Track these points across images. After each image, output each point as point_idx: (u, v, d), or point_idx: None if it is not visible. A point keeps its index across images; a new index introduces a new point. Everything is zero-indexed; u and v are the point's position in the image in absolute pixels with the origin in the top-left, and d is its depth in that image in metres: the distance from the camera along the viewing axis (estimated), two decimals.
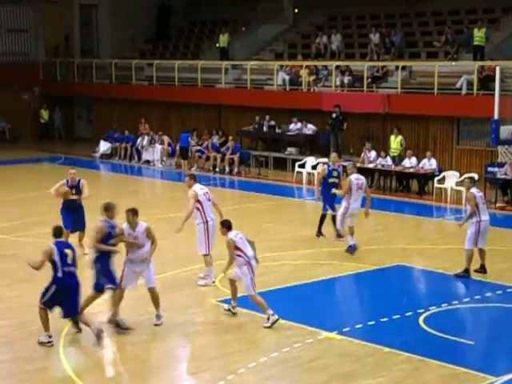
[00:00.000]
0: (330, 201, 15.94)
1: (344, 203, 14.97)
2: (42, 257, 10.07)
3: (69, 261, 10.10)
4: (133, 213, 10.99)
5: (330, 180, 15.99)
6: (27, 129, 34.52)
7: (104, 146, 29.69)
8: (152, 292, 11.01)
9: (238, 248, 10.98)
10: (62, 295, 10.04)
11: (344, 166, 17.85)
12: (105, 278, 10.70)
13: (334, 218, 15.78)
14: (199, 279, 12.87)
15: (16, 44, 34.71)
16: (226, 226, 11.19)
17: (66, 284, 10.04)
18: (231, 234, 11.09)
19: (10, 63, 34.03)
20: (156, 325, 10.91)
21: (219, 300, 12.05)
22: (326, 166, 16.55)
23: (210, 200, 13.13)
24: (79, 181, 14.77)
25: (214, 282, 12.80)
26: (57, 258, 10.01)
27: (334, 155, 16.92)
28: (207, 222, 12.84)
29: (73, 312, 10.28)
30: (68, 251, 10.16)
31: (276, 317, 10.77)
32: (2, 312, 11.44)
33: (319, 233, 16.16)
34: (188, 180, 13.46)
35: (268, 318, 10.79)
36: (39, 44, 35.58)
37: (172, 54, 33.98)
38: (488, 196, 20.09)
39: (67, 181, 14.71)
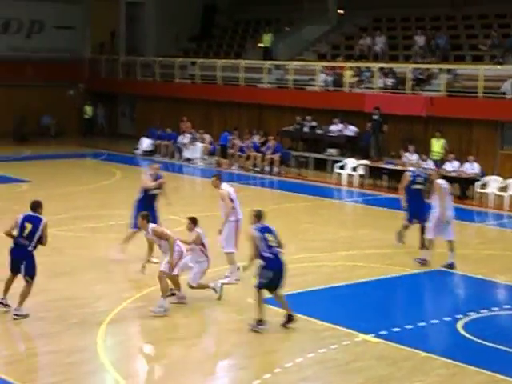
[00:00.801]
0: (416, 210, 15.00)
1: (436, 210, 13.90)
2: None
3: (24, 234, 10.85)
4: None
5: (415, 187, 15.15)
6: (72, 124, 35.02)
7: (146, 143, 29.97)
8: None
9: (202, 244, 11.73)
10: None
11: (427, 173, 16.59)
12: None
13: (422, 228, 14.90)
14: (224, 277, 12.89)
15: (63, 41, 35.22)
16: (194, 221, 11.82)
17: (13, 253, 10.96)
18: (199, 229, 11.76)
19: (56, 60, 34.55)
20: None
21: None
22: (409, 172, 15.66)
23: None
24: (160, 176, 14.67)
25: (238, 280, 12.78)
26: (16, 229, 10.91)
27: (416, 161, 16.46)
28: (238, 220, 12.84)
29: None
30: (27, 224, 10.86)
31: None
32: (43, 304, 11.62)
33: (400, 239, 15.34)
34: (214, 180, 13.34)
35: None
36: (85, 41, 36.07)
37: (215, 53, 34.15)
38: None
39: (150, 174, 14.59)
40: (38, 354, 10.05)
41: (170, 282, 11.55)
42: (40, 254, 12.54)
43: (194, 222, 11.91)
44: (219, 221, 17.66)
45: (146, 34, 36.77)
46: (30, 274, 11.01)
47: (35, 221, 10.99)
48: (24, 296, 11.00)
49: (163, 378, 9.42)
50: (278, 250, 10.65)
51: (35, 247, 11.05)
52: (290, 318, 10.71)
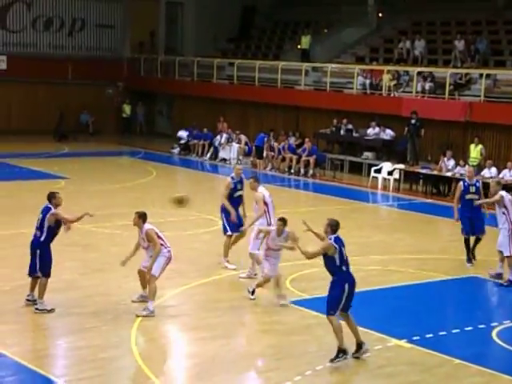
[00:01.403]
0: (470, 221, 14.46)
1: (506, 223, 13.17)
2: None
3: (37, 224, 11.18)
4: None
5: (468, 197, 14.48)
6: (110, 123, 35.39)
7: (183, 134, 30.13)
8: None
9: (160, 237, 11.28)
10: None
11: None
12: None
13: (477, 240, 14.50)
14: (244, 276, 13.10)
15: (103, 39, 35.65)
16: (143, 218, 11.27)
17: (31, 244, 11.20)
18: (149, 226, 11.29)
19: (96, 58, 34.99)
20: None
21: (289, 301, 12.08)
22: (461, 181, 15.04)
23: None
24: (243, 179, 14.07)
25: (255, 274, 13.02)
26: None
27: (470, 169, 15.65)
28: (271, 224, 12.74)
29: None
30: (40, 215, 11.17)
31: (152, 313, 10.99)
32: (78, 300, 11.76)
33: (470, 258, 14.53)
34: (252, 182, 13.18)
35: (144, 309, 11.06)
36: (125, 40, 36.42)
37: (253, 54, 34.22)
38: None
39: (232, 177, 13.98)
40: (71, 348, 10.17)
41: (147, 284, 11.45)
42: (75, 251, 12.74)
43: (141, 217, 11.30)
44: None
45: (185, 34, 37.03)
46: (42, 270, 11.11)
47: (44, 211, 11.24)
48: (40, 288, 11.10)
49: (194, 377, 9.47)
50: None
51: (48, 238, 11.16)
52: (360, 347, 9.86)
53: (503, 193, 13.37)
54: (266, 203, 12.99)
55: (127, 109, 35.49)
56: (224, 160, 28.28)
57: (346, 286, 9.68)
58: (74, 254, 12.11)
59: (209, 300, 12.13)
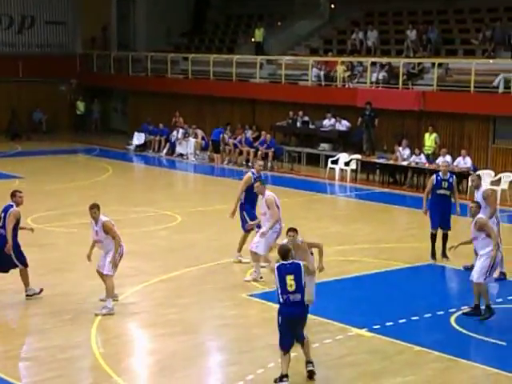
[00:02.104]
0: (439, 216, 14.02)
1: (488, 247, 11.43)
2: None
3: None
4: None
5: (439, 191, 14.06)
6: (64, 120, 34.93)
7: (138, 138, 29.92)
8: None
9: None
10: None
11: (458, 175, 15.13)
12: None
13: (445, 237, 14.08)
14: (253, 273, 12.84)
15: (54, 36, 35.12)
16: (99, 209, 11.40)
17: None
18: (105, 217, 11.32)
19: (47, 55, 34.46)
20: (96, 314, 11.00)
21: (250, 294, 12.09)
22: (434, 175, 14.46)
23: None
24: (262, 176, 13.94)
25: (261, 277, 12.72)
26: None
27: (444, 163, 15.12)
28: (281, 228, 12.52)
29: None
30: (1, 214, 11.46)
31: (111, 311, 10.98)
32: (36, 301, 11.60)
33: (435, 253, 14.05)
34: (259, 185, 12.82)
35: (103, 308, 11.03)
36: (77, 36, 35.95)
37: (207, 48, 34.09)
38: None
39: (253, 172, 13.83)
40: (31, 349, 10.03)
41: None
42: (32, 251, 12.54)
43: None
44: (215, 216, 17.73)
45: (138, 29, 36.71)
46: (20, 261, 11.57)
47: (5, 209, 11.57)
48: (24, 278, 11.67)
49: (156, 374, 9.41)
50: None
51: (14, 234, 11.45)
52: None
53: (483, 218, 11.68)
54: (277, 207, 12.67)
55: (81, 106, 35.07)
56: (181, 155, 28.14)
57: (280, 318, 8.91)
58: (31, 255, 11.94)
59: (169, 296, 12.07)
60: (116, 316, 11.04)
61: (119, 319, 11.03)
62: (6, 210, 11.54)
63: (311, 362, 9.14)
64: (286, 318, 8.84)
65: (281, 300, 8.83)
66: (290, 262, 8.99)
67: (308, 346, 9.13)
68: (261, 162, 15.05)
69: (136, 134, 30.05)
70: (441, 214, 14.03)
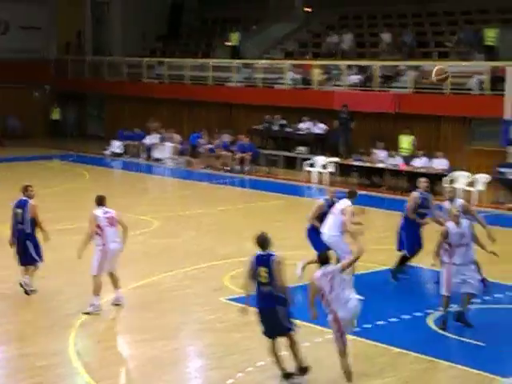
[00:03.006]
0: (412, 239, 12.97)
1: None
2: None
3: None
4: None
5: (422, 211, 12.97)
6: (39, 126, 34.66)
7: (116, 146, 29.75)
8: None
9: (98, 226, 11.14)
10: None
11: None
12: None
13: (404, 259, 13.12)
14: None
15: (28, 41, 34.80)
16: (96, 201, 11.43)
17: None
18: (98, 211, 11.26)
19: (21, 60, 34.13)
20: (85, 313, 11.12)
21: (229, 298, 12.07)
22: (417, 192, 13.12)
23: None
24: (334, 201, 12.90)
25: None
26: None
27: (423, 179, 13.46)
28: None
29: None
30: (18, 210, 11.79)
31: (97, 308, 11.07)
32: (15, 308, 11.52)
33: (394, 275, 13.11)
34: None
35: (90, 305, 11.11)
36: (51, 41, 35.70)
37: (183, 52, 34.02)
38: (499, 197, 20.07)
39: (326, 200, 13.07)
40: (8, 358, 9.93)
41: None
42: (7, 256, 12.44)
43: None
44: (193, 220, 17.70)
45: (113, 34, 36.51)
46: (39, 256, 12.12)
47: (22, 203, 12.07)
48: (32, 272, 12.09)
49: (135, 380, 9.36)
50: None
51: (33, 228, 12.00)
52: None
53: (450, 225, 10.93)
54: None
55: (56, 111, 34.82)
56: (158, 160, 28.06)
57: (258, 309, 8.95)
58: (4, 261, 11.84)
59: (147, 302, 12.01)
60: (94, 323, 10.96)
61: (98, 326, 10.96)
62: (24, 204, 11.94)
63: (303, 368, 9.02)
64: (258, 310, 8.95)
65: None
66: (266, 253, 8.95)
67: (295, 345, 9.03)
68: (333, 189, 13.66)
69: (114, 141, 29.85)
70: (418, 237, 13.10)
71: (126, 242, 11.56)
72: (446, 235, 10.79)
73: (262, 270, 8.83)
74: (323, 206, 12.88)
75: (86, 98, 35.75)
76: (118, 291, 11.62)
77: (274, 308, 8.87)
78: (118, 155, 29.44)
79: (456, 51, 25.13)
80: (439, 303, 11.08)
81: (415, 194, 13.03)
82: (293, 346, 9.06)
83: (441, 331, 10.72)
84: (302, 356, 9.10)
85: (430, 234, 13.72)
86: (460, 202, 12.70)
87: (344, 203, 12.44)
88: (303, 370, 9.11)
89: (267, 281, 8.81)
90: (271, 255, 8.93)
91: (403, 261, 13.14)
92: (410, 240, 13.03)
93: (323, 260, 9.09)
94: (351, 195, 12.61)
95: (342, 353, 8.88)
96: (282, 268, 8.94)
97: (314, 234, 12.83)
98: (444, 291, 10.85)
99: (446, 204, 12.45)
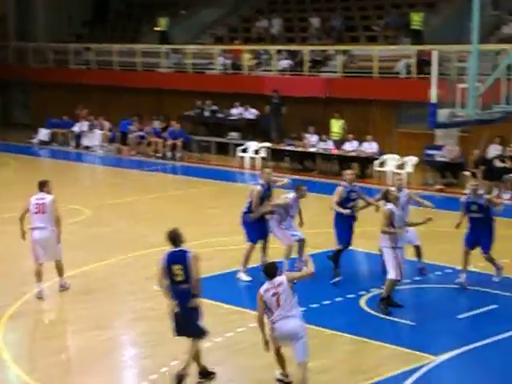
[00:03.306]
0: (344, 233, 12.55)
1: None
2: None
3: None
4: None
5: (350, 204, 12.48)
6: None
7: (42, 134, 29.10)
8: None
9: (28, 211, 11.45)
10: None
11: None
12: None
13: (338, 252, 12.60)
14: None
15: None
16: (38, 186, 11.63)
17: None
18: (34, 196, 11.51)
19: None
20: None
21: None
22: (342, 187, 12.49)
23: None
24: (272, 185, 12.71)
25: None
26: None
27: (349, 172, 12.99)
28: None
29: None
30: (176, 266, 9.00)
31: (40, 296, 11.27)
32: None
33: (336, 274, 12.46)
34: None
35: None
36: None
37: (110, 38, 33.42)
38: (428, 178, 20.48)
39: (262, 185, 12.63)
40: None
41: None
42: None
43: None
44: (125, 208, 17.49)
45: (37, 19, 35.53)
46: None
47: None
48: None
49: (68, 371, 9.20)
50: None
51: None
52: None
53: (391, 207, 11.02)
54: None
55: None
56: (87, 148, 27.58)
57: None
58: None
59: (79, 292, 11.82)
60: (24, 315, 10.73)
61: (28, 317, 10.73)
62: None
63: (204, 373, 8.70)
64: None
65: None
66: (179, 249, 8.55)
67: (197, 351, 8.65)
68: (268, 170, 13.11)
69: (41, 129, 29.16)
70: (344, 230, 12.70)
71: (59, 231, 11.41)
72: (390, 216, 10.89)
73: (177, 268, 8.42)
74: (260, 191, 12.51)
75: (10, 84, 34.79)
76: (61, 279, 11.69)
77: (192, 307, 8.58)
78: (46, 143, 28.81)
79: (383, 35, 25.45)
80: (384, 285, 10.96)
81: (340, 189, 12.44)
82: (198, 352, 8.70)
83: (374, 312, 10.88)
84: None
85: (366, 216, 13.90)
86: (406, 191, 12.74)
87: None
88: (208, 374, 8.81)
89: (183, 278, 8.44)
90: (186, 252, 8.52)
91: (338, 255, 12.57)
92: (341, 234, 12.53)
93: (268, 272, 8.45)
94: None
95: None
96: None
97: (248, 223, 12.56)
98: (394, 275, 10.78)
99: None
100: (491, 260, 12.12)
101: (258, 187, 12.54)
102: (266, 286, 8.33)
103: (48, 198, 11.30)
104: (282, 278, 8.36)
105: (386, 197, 11.20)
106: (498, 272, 12.17)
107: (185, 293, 8.46)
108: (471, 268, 12.25)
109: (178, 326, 8.62)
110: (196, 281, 8.56)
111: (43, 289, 11.34)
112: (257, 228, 12.54)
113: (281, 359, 8.67)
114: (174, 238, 8.58)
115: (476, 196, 11.97)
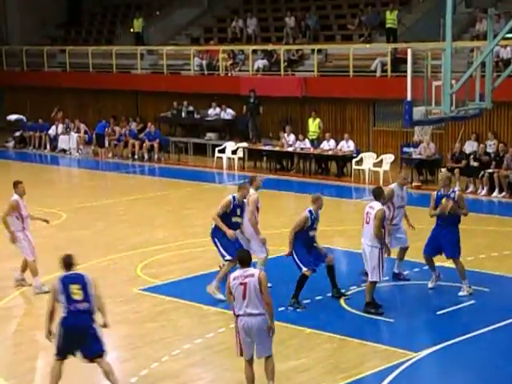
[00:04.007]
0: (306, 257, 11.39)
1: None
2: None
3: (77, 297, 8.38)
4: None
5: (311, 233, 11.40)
6: None
7: (13, 116, 28.88)
8: None
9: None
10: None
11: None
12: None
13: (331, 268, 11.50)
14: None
15: None
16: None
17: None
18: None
19: None
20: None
21: (141, 289, 11.92)
22: (307, 213, 11.31)
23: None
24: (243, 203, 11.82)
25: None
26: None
27: (316, 196, 11.54)
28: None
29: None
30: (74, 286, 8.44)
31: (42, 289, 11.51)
32: None
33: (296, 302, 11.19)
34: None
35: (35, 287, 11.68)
36: None
37: (85, 40, 33.26)
38: (404, 176, 20.55)
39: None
40: None
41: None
42: None
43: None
44: (102, 211, 17.39)
45: (10, 21, 35.18)
46: None
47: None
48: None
49: (47, 376, 9.10)
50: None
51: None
52: None
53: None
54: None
55: None
56: (64, 151, 27.39)
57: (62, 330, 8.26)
58: None
59: None
60: (1, 320, 10.60)
61: (4, 323, 10.62)
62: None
63: None
64: (68, 329, 8.17)
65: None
66: (74, 272, 8.43)
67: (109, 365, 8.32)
68: (259, 178, 12.50)
69: (10, 116, 28.90)
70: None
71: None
72: (383, 217, 10.78)
73: (74, 288, 8.24)
74: (257, 199, 11.79)
75: None
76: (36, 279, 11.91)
77: (91, 325, 8.30)
78: (21, 146, 28.56)
79: (358, 34, 25.54)
80: (366, 286, 10.88)
81: (306, 215, 11.29)
82: (108, 368, 8.33)
83: (353, 310, 10.91)
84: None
85: (345, 215, 13.94)
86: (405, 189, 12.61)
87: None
88: None
89: (82, 298, 8.22)
90: (82, 274, 8.43)
91: (302, 282, 11.25)
92: (303, 258, 11.31)
93: (241, 260, 8.29)
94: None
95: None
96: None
97: (222, 237, 11.58)
98: (377, 278, 10.68)
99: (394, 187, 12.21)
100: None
101: (255, 195, 11.74)
102: (237, 272, 8.20)
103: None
104: (254, 272, 8.19)
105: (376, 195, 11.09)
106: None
107: (84, 312, 8.24)
108: (448, 264, 12.31)
109: (75, 347, 8.32)
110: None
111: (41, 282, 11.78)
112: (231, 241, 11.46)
113: (249, 372, 8.29)
114: (68, 262, 8.54)
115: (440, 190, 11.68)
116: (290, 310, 10.93)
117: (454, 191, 11.74)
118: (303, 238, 11.19)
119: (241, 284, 8.04)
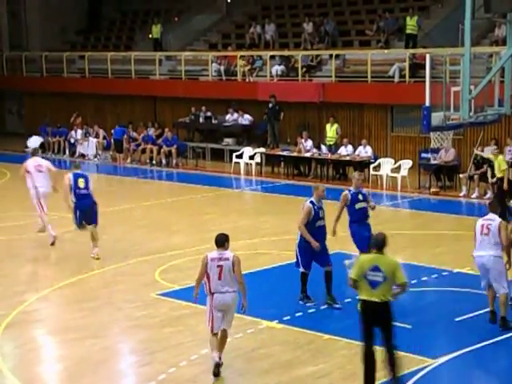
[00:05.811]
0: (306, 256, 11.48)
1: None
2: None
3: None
4: None
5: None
6: None
7: (34, 142, 28.99)
8: None
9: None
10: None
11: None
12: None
13: (328, 274, 11.55)
14: None
15: None
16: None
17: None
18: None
19: None
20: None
21: (159, 293, 11.96)
22: (309, 203, 11.34)
23: None
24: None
25: None
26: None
27: (321, 187, 11.72)
28: None
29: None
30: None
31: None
32: None
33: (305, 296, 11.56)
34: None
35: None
36: None
37: (104, 46, 33.46)
38: (422, 181, 20.51)
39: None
40: None
41: None
42: None
43: None
44: (121, 216, 17.48)
45: (30, 28, 35.55)
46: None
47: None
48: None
49: (64, 381, 9.17)
50: None
51: None
52: None
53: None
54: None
55: None
56: (83, 156, 27.55)
57: None
58: None
59: (75, 301, 11.78)
60: (21, 323, 10.70)
61: (24, 327, 10.69)
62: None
63: None
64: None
65: None
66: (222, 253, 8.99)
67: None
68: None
69: (33, 137, 29.03)
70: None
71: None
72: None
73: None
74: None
75: (4, 94, 34.79)
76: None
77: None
78: (41, 151, 28.69)
79: (376, 39, 25.51)
80: None
81: (308, 206, 11.29)
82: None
83: None
84: None
85: None
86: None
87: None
88: None
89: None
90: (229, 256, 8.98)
91: (303, 279, 11.54)
92: (304, 257, 11.53)
93: (216, 241, 9.04)
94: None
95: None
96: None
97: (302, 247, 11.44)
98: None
99: None
100: None
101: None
102: (214, 253, 8.96)
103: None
104: (229, 255, 8.94)
105: None
106: None
107: None
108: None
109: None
110: None
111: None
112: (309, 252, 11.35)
113: (215, 342, 9.02)
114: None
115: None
116: (300, 303, 11.32)
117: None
118: (310, 230, 11.28)
119: (218, 266, 8.87)
